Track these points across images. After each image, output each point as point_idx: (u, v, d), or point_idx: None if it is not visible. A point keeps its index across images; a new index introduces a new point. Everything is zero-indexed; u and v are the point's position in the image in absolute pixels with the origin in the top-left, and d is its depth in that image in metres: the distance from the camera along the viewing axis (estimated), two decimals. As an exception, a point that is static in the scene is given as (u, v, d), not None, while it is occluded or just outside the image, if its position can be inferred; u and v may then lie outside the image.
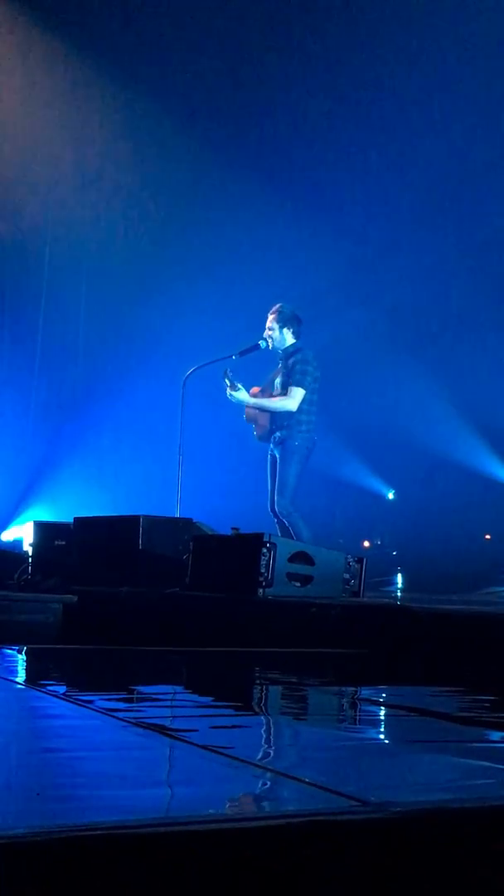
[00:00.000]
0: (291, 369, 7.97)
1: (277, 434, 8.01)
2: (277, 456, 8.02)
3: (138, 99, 13.31)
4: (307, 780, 1.88)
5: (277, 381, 8.14)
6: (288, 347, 8.11)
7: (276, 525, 7.97)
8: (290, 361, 8.01)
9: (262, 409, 8.10)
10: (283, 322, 8.13)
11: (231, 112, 13.29)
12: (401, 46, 12.27)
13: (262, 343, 8.23)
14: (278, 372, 8.17)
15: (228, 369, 8.09)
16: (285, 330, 8.12)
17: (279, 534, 7.71)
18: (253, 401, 8.10)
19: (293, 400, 7.90)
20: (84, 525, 7.64)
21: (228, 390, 8.05)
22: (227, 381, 8.03)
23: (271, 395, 8.13)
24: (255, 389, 8.19)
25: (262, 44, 12.65)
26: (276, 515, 8.00)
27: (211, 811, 1.62)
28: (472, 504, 12.96)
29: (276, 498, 7.94)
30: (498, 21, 11.73)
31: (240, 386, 8.04)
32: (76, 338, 14.08)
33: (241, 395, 8.05)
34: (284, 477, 7.92)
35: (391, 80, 12.47)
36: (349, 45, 12.51)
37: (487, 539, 13.26)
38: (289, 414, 7.94)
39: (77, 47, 12.99)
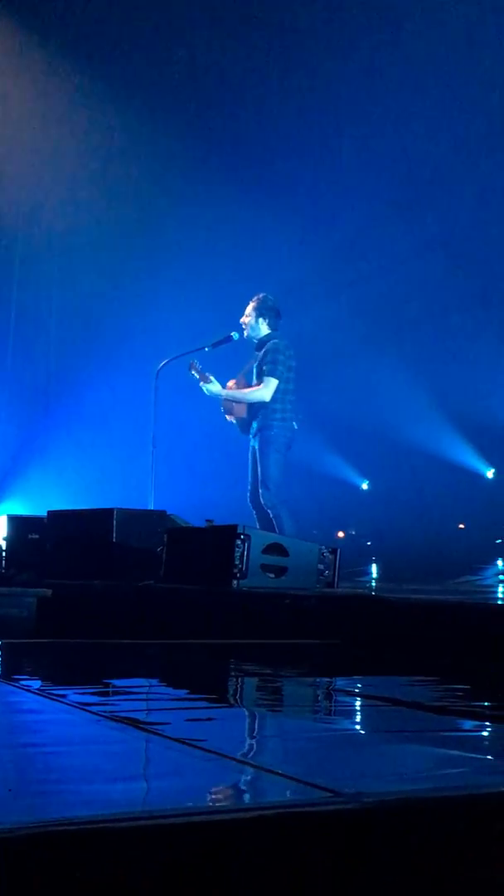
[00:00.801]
0: (263, 359, 7.95)
1: (255, 425, 8.00)
2: (257, 449, 8.01)
3: (109, 89, 13.24)
4: (280, 771, 1.88)
5: (251, 372, 8.13)
6: (262, 338, 8.09)
7: (256, 517, 7.96)
8: (263, 351, 7.99)
9: (237, 401, 8.09)
10: (259, 312, 8.10)
11: (203, 102, 13.25)
12: (375, 34, 12.25)
13: (234, 335, 8.21)
14: (252, 363, 8.15)
15: (195, 362, 8.06)
16: (261, 320, 8.09)
17: (258, 526, 7.71)
18: (226, 392, 8.09)
19: (266, 390, 7.88)
20: (58, 518, 7.62)
21: (201, 383, 8.03)
22: (195, 373, 8.01)
23: (247, 387, 8.11)
24: (233, 382, 8.17)
25: (233, 32, 12.60)
26: (255, 507, 7.99)
27: (183, 804, 1.61)
28: (445, 494, 13.01)
29: (260, 491, 7.93)
30: (467, 9, 11.75)
31: (212, 378, 8.02)
32: (48, 330, 14.03)
33: (214, 387, 8.03)
34: (265, 469, 7.90)
35: (365, 70, 12.46)
36: (323, 34, 12.47)
37: (461, 528, 13.32)
38: (264, 405, 7.92)
39: (41, 34, 12.90)
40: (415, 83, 12.22)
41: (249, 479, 8.11)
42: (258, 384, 7.98)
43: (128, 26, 12.74)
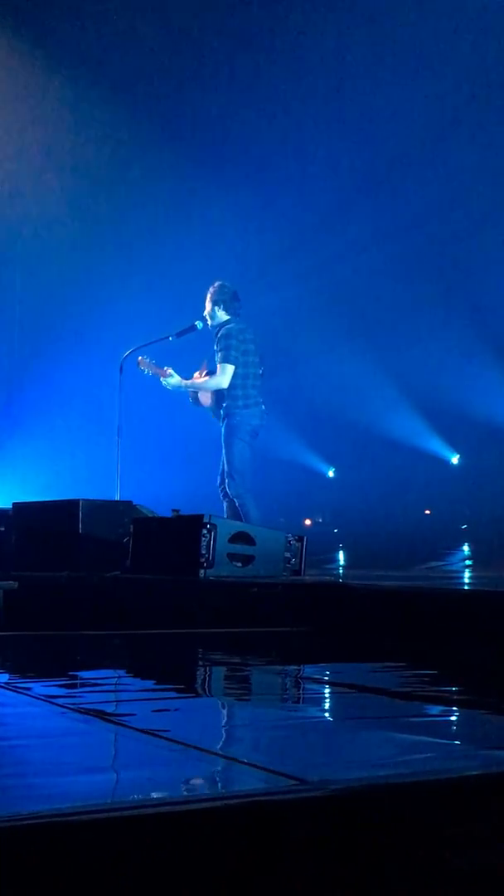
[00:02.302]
0: (218, 347, 7.94)
1: (222, 413, 7.98)
2: (223, 436, 7.99)
3: (70, 79, 13.15)
4: (247, 760, 1.88)
5: (212, 360, 8.12)
6: (219, 325, 8.07)
7: (224, 505, 7.96)
8: (217, 339, 7.97)
9: (197, 390, 8.09)
10: (214, 300, 8.08)
11: (164, 89, 13.18)
12: (343, 16, 12.19)
13: (198, 324, 8.19)
14: (213, 352, 8.15)
15: (144, 357, 8.05)
16: (217, 308, 8.07)
17: (226, 514, 7.71)
18: (186, 382, 8.07)
19: (223, 377, 7.85)
20: (23, 510, 7.58)
21: (161, 378, 8.01)
22: (145, 370, 7.99)
23: (207, 377, 8.10)
24: (202, 371, 8.16)
25: (192, 11, 12.51)
26: (225, 495, 7.99)
27: (149, 796, 1.61)
28: (411, 480, 13.07)
29: (227, 480, 7.91)
30: None
31: (170, 370, 8.00)
32: (12, 320, 13.93)
33: (174, 379, 8.03)
34: (229, 458, 7.89)
35: (328, 56, 12.43)
36: (283, 16, 12.41)
37: (427, 514, 13.38)
38: (227, 393, 7.91)
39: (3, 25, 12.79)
40: (379, 67, 12.20)
41: (220, 466, 8.10)
42: (215, 372, 7.97)
43: (105, 19, 12.63)
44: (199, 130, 13.34)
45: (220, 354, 7.88)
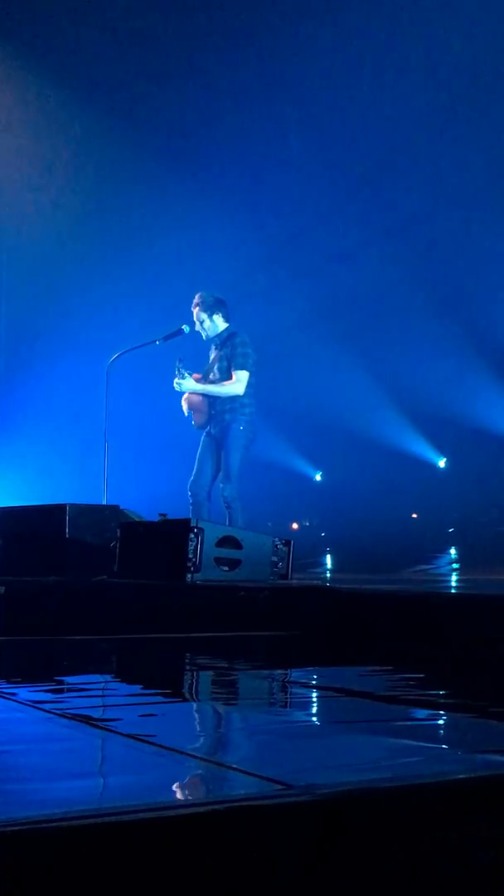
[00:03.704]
0: (232, 353, 7.95)
1: (224, 418, 7.97)
2: (220, 441, 7.99)
3: (54, 87, 13.14)
4: (233, 765, 1.87)
5: (216, 367, 8.10)
6: (222, 333, 8.10)
7: (192, 505, 7.98)
8: (229, 345, 7.98)
9: (209, 396, 8.05)
10: (209, 310, 8.11)
11: (146, 93, 13.18)
12: (328, 19, 12.20)
13: (185, 328, 8.21)
14: (216, 358, 8.13)
15: (181, 358, 8.08)
16: (215, 317, 8.12)
17: (191, 514, 7.73)
18: (200, 387, 8.06)
19: (240, 384, 7.91)
20: (9, 515, 7.57)
21: (177, 380, 8.03)
22: (177, 370, 8.01)
23: (212, 383, 8.08)
24: (196, 376, 8.16)
25: (177, 21, 12.52)
26: (195, 496, 8.01)
27: (135, 801, 1.60)
28: (398, 484, 13.07)
29: (221, 485, 7.93)
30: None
31: (186, 374, 8.03)
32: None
33: (188, 383, 8.03)
34: (230, 463, 7.91)
35: (313, 61, 12.44)
36: (268, 22, 12.43)
37: (414, 518, 13.39)
38: (231, 398, 7.94)
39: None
40: (370, 72, 12.22)
41: (197, 468, 8.10)
42: (225, 379, 7.97)
43: (85, 25, 12.61)
44: (186, 136, 13.34)
45: (237, 361, 7.91)
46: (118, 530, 6.69)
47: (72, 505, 6.99)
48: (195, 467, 8.12)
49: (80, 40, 12.68)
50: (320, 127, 12.81)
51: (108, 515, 7.11)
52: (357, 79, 12.30)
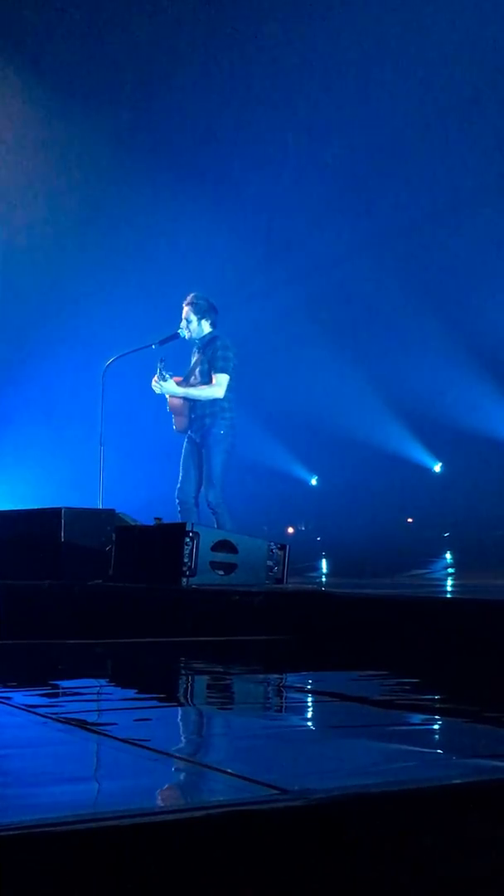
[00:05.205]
0: (213, 357, 7.96)
1: (204, 422, 7.98)
2: (201, 445, 8.00)
3: (50, 92, 13.14)
4: (227, 770, 1.87)
5: (198, 370, 8.12)
6: (205, 336, 8.12)
7: (180, 511, 7.97)
8: (210, 349, 8.00)
9: (189, 399, 8.06)
10: (200, 313, 8.12)
11: (140, 98, 13.18)
12: (327, 23, 12.21)
13: (181, 332, 8.21)
14: (197, 361, 8.15)
15: (162, 359, 8.07)
16: (203, 321, 8.12)
17: (180, 521, 7.73)
18: (181, 390, 8.07)
19: (220, 387, 7.92)
20: (4, 518, 7.57)
21: (156, 380, 8.01)
22: (158, 371, 7.99)
23: (192, 386, 8.10)
24: (177, 379, 8.16)
25: (170, 33, 12.52)
26: (183, 502, 8.01)
27: (130, 806, 1.60)
28: (394, 489, 13.09)
29: (205, 490, 7.93)
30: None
31: (168, 376, 8.02)
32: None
33: (169, 385, 8.02)
34: (212, 468, 7.91)
35: (307, 65, 12.46)
36: (261, 27, 12.43)
37: (409, 522, 13.40)
38: (211, 402, 7.94)
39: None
40: (366, 74, 12.24)
41: (182, 474, 8.10)
42: (205, 382, 7.98)
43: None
44: (179, 140, 13.35)
45: (217, 364, 7.91)
46: (113, 534, 6.68)
47: (67, 509, 6.99)
48: (180, 474, 8.13)
49: (77, 46, 12.68)
50: (315, 131, 12.82)
51: (103, 519, 7.11)
52: (350, 83, 12.32)
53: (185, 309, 8.17)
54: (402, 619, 4.39)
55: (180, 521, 7.63)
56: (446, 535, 12.63)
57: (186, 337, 8.18)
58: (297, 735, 2.61)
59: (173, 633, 5.19)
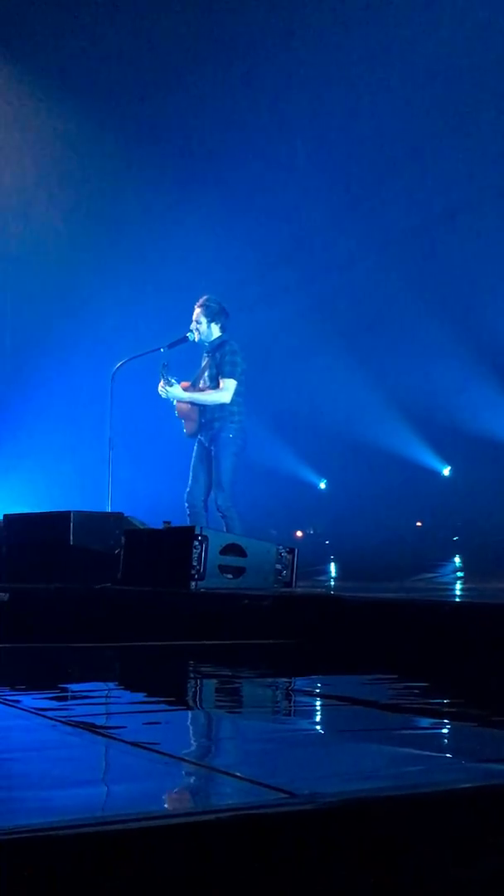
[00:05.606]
0: (221, 361, 7.97)
1: (213, 426, 7.98)
2: (211, 450, 8.00)
3: (56, 96, 13.16)
4: (237, 773, 1.87)
5: (206, 374, 8.12)
6: (214, 340, 8.12)
7: (189, 515, 7.97)
8: (219, 354, 8.01)
9: (195, 403, 8.07)
10: (210, 316, 8.12)
11: (147, 101, 13.19)
12: (326, 28, 12.21)
13: (190, 335, 8.21)
14: (206, 366, 8.15)
15: (165, 363, 8.06)
16: (213, 324, 8.12)
17: (189, 524, 7.73)
18: (186, 395, 8.07)
19: (227, 392, 7.91)
20: (14, 522, 7.58)
21: (161, 385, 8.01)
22: (162, 375, 7.99)
23: (201, 390, 8.10)
24: (185, 384, 8.16)
25: (176, 35, 12.53)
26: (192, 506, 8.01)
27: (139, 809, 1.60)
28: (403, 492, 13.06)
29: (215, 493, 7.93)
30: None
31: (173, 381, 8.02)
32: (2, 332, 13.92)
33: (175, 390, 8.02)
34: (221, 472, 7.91)
35: (314, 68, 12.46)
36: (266, 30, 12.44)
37: (418, 526, 13.38)
38: (220, 407, 7.94)
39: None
40: (370, 78, 12.23)
41: (192, 478, 8.10)
42: (213, 387, 7.98)
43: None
44: (189, 145, 13.37)
45: (225, 369, 7.92)
46: (122, 538, 6.69)
47: (76, 512, 7.00)
48: (190, 477, 8.13)
49: (81, 47, 12.70)
50: (322, 135, 12.82)
51: (112, 523, 7.11)
52: (358, 88, 12.32)
53: (197, 311, 8.16)
54: (410, 622, 4.38)
55: (189, 524, 7.64)
56: (455, 538, 12.60)
57: (195, 339, 8.17)
58: (306, 739, 2.61)
59: (182, 637, 5.19)
